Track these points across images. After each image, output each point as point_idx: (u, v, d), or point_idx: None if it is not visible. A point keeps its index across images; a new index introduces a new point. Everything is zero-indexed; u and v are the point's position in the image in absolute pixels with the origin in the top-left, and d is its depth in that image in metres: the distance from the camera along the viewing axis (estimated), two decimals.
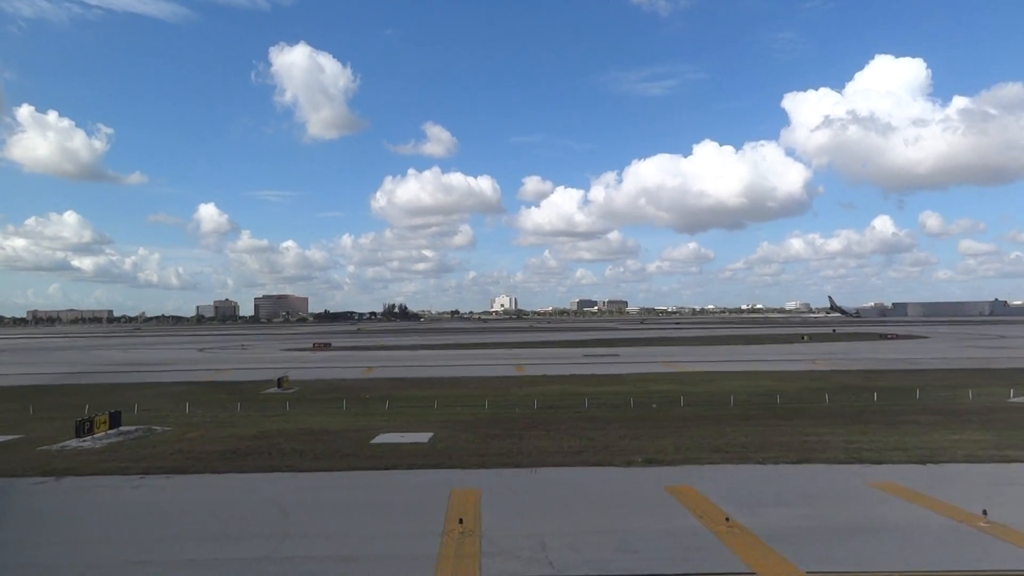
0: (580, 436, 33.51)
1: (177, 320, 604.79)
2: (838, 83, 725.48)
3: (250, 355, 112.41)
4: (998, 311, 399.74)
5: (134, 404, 46.68)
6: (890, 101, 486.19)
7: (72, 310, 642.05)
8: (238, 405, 46.64)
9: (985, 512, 18.68)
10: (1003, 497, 21.18)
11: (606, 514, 20.00)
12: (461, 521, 19.14)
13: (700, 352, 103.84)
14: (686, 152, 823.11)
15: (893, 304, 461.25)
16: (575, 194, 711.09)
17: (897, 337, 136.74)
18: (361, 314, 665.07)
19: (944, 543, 17.22)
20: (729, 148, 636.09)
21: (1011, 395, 48.08)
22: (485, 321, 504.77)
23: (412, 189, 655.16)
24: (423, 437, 34.26)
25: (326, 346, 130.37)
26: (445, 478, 25.11)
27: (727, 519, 18.40)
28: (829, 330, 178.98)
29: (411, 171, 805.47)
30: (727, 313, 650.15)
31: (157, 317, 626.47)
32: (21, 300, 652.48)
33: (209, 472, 26.73)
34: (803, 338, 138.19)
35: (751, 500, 20.95)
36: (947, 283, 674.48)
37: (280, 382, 58.06)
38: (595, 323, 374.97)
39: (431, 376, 69.64)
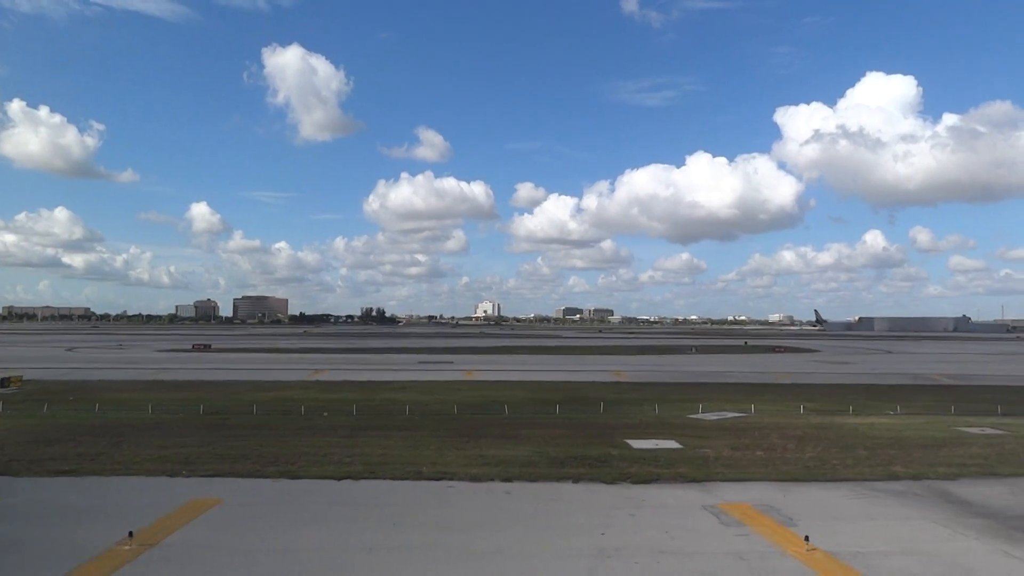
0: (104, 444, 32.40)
1: (150, 319, 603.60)
2: (830, 98, 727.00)
3: (103, 355, 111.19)
4: (962, 327, 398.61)
5: None
6: (881, 117, 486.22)
7: (48, 307, 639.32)
8: None
9: (132, 533, 17.57)
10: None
11: None
12: None
13: (534, 361, 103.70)
14: (679, 163, 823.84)
15: (859, 318, 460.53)
16: (568, 202, 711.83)
17: (786, 351, 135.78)
18: (338, 317, 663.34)
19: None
20: (722, 160, 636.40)
21: (700, 410, 47.13)
22: (455, 326, 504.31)
23: (405, 193, 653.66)
24: None
25: (206, 347, 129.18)
26: None
27: None
28: (742, 343, 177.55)
29: (404, 175, 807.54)
30: (710, 324, 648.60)
31: (132, 316, 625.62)
32: (11, 296, 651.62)
33: None
34: (691, 350, 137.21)
35: None
36: (937, 299, 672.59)
37: (4, 381, 56.95)
38: (552, 330, 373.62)
39: (206, 379, 68.68)
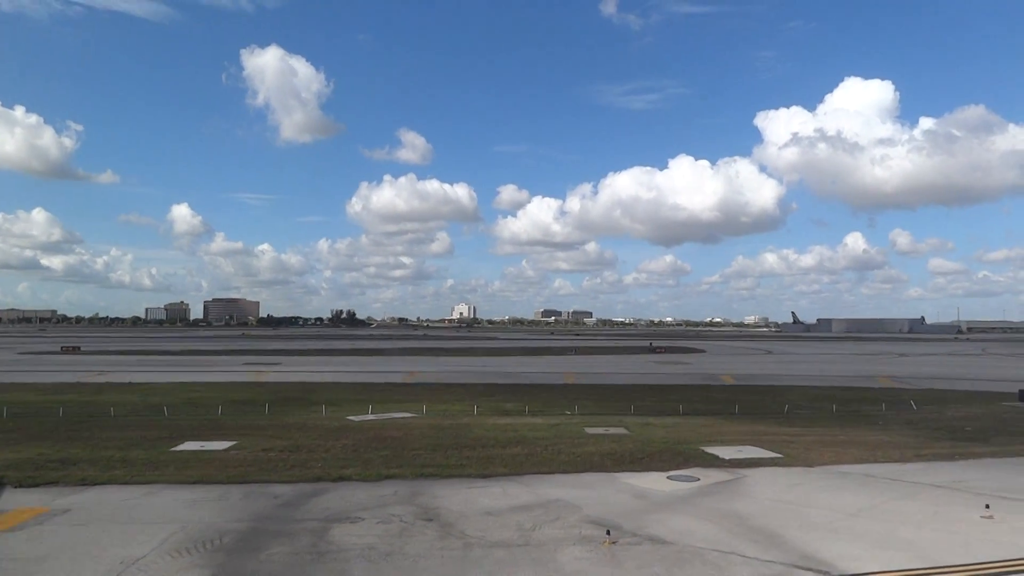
0: None
1: (113, 321, 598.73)
2: (810, 103, 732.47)
3: None
4: (916, 329, 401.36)
5: None
6: (859, 121, 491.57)
7: (12, 309, 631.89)
8: None
9: None
10: None
11: None
12: None
13: (374, 362, 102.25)
14: (662, 165, 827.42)
15: (818, 319, 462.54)
16: (552, 204, 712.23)
17: (666, 351, 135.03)
18: (306, 320, 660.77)
19: None
20: (704, 163, 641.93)
21: (370, 411, 45.68)
22: (416, 328, 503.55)
23: (387, 195, 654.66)
24: None
25: (74, 349, 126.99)
26: None
27: None
28: (648, 343, 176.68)
29: (387, 177, 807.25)
30: (684, 326, 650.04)
31: (99, 318, 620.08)
32: None
33: None
34: (573, 352, 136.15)
35: None
36: (918, 300, 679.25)
37: None
38: (507, 333, 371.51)
39: None
